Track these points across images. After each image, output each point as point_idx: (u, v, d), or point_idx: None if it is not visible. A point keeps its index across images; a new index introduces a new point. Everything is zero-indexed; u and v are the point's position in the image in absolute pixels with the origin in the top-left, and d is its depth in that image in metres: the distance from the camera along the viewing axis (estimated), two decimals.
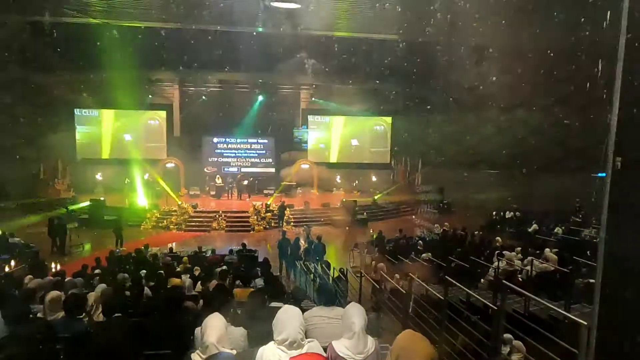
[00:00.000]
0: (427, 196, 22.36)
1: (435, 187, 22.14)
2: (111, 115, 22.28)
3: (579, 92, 21.90)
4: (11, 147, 19.24)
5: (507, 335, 5.25)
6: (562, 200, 18.97)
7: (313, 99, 22.87)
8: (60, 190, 20.13)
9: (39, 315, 4.14)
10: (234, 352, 2.58)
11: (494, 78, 22.33)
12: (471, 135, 23.22)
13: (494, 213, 19.72)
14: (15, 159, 19.06)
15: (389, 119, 23.82)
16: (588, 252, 9.05)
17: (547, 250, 9.14)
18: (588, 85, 19.65)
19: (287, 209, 18.74)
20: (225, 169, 22.70)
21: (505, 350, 5.40)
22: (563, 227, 15.88)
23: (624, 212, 0.48)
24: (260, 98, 22.48)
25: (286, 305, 2.72)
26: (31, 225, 16.03)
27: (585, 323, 2.84)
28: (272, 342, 2.56)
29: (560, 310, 4.32)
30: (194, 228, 17.86)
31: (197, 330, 3.17)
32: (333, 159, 23.49)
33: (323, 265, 11.25)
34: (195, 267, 9.69)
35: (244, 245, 13.35)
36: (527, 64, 21.90)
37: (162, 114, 22.51)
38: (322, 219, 19.04)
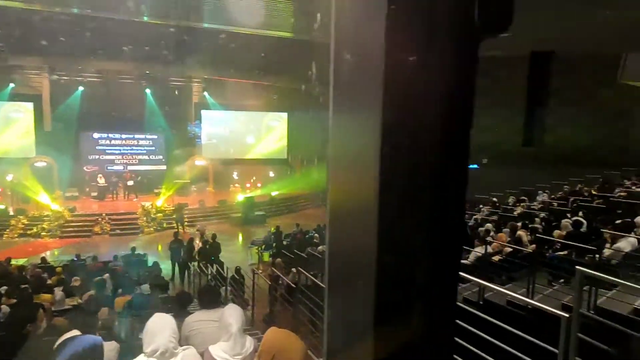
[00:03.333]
0: (323, 190, 23.03)
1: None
2: None
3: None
4: None
5: None
6: None
7: (205, 93, 21.98)
8: None
9: None
10: None
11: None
12: None
13: None
14: None
15: (284, 115, 23.94)
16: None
17: None
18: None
19: (182, 208, 17.83)
20: (109, 168, 20.77)
21: None
22: None
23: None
24: (147, 91, 20.94)
25: (156, 314, 2.54)
26: None
27: None
28: (142, 355, 2.38)
29: None
30: (72, 234, 16.07)
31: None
32: (228, 154, 22.90)
33: (217, 265, 10.93)
34: (75, 278, 8.77)
35: (133, 249, 12.45)
36: None
37: (29, 105, 19.73)
38: (219, 217, 18.53)
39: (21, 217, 16.18)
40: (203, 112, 22.21)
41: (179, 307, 4.53)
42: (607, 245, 5.74)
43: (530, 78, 3.48)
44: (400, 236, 0.51)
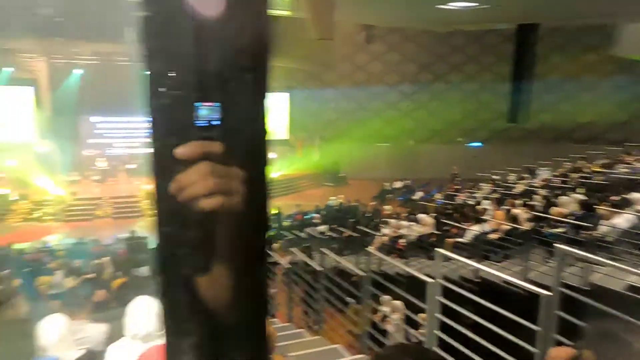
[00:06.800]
0: (324, 169, 23.02)
1: (332, 160, 22.86)
2: None
3: (454, 69, 24.14)
4: None
5: (386, 297, 5.67)
6: (443, 169, 20.94)
7: None
8: None
9: None
10: (80, 352, 2.36)
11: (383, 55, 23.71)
12: (363, 110, 24.31)
13: (385, 184, 21.01)
14: None
15: (286, 95, 23.70)
16: (458, 214, 10.10)
17: (423, 215, 10.00)
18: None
19: None
20: (109, 151, 20.75)
21: (385, 310, 5.84)
22: (442, 193, 17.55)
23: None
24: (146, 72, 20.71)
25: (139, 296, 2.55)
26: None
27: (432, 280, 3.14)
28: (124, 338, 2.40)
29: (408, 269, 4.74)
30: (75, 217, 16.20)
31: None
32: None
33: None
34: (76, 260, 8.89)
35: (133, 232, 12.53)
36: (413, 44, 23.53)
37: (29, 90, 19.60)
38: None
39: (24, 201, 16.29)
40: None
41: None
42: (604, 221, 5.70)
43: (516, 52, 3.38)
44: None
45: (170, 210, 0.51)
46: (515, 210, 7.54)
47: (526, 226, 6.49)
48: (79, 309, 3.55)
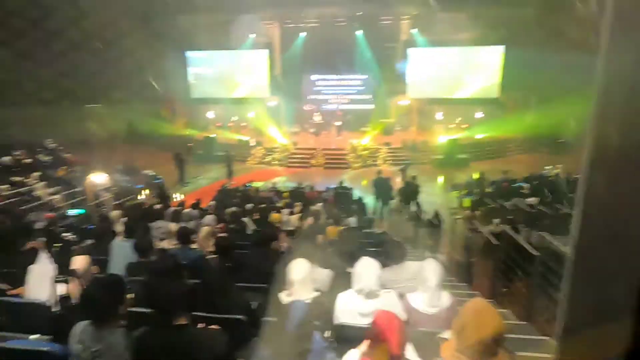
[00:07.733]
0: (540, 134, 20.29)
1: (551, 123, 19.91)
2: (218, 56, 23.50)
3: None
4: (139, 87, 21.72)
5: None
6: None
7: (413, 29, 21.36)
8: (178, 128, 22.41)
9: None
10: (316, 293, 2.81)
11: None
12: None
13: None
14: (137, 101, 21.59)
15: (500, 48, 21.35)
16: None
17: None
18: None
19: (385, 146, 18.65)
20: (324, 106, 22.94)
21: None
22: None
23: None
24: (358, 32, 21.71)
25: (365, 257, 2.86)
26: (161, 159, 18.05)
27: None
28: (351, 290, 2.77)
29: None
30: (295, 164, 18.80)
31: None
32: (434, 94, 22.17)
33: (418, 205, 11.24)
34: (296, 203, 10.27)
35: (341, 182, 13.78)
36: None
37: (265, 52, 23.05)
38: (420, 158, 18.62)
39: (259, 147, 19.74)
40: (410, 50, 21.80)
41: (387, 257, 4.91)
42: None
43: None
44: None
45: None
46: None
47: None
48: (304, 250, 4.11)
